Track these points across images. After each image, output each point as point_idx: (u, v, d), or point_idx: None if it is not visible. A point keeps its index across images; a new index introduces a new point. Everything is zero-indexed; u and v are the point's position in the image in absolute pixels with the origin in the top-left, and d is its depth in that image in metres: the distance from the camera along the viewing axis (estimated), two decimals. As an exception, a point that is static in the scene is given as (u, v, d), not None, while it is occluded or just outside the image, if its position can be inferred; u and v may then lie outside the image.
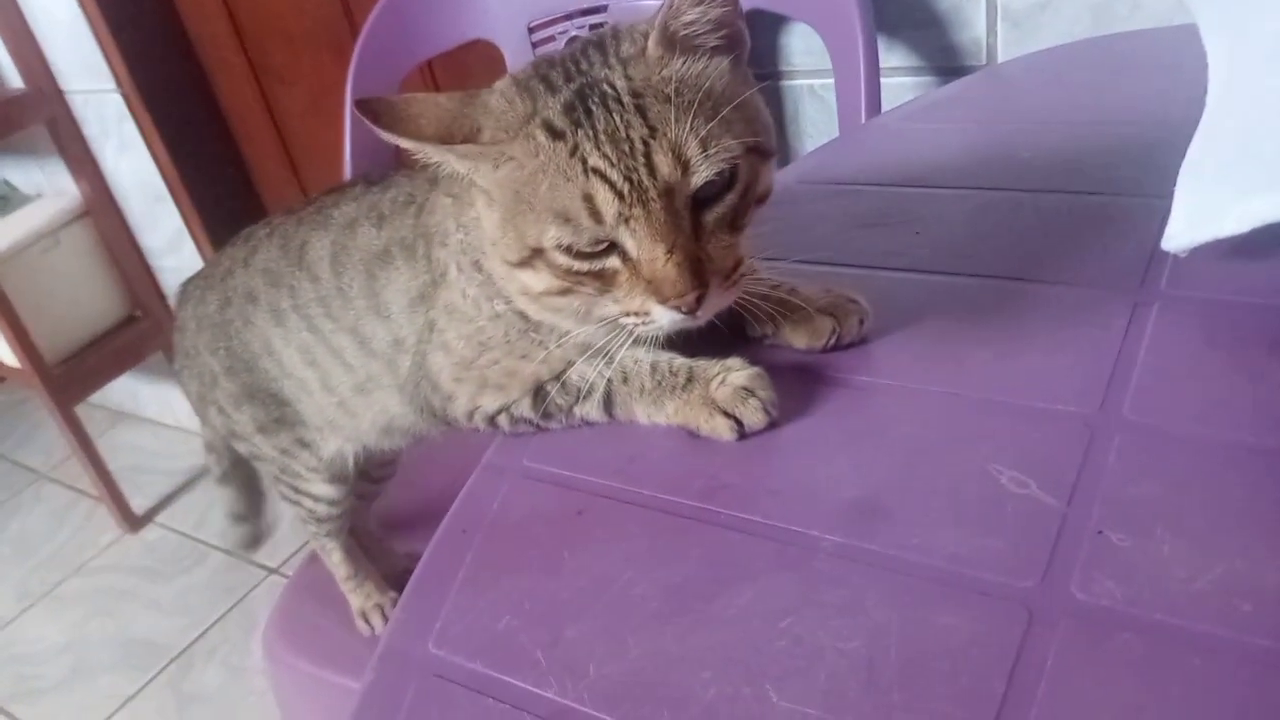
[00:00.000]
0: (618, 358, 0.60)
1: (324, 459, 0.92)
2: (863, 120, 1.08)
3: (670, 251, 0.53)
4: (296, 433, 0.90)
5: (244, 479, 1.13)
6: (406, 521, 1.25)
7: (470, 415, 0.67)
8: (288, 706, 1.20)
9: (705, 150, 0.52)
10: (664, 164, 0.52)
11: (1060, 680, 0.42)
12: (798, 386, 0.62)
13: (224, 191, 2.16)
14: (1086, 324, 0.62)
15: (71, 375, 2.27)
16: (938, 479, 0.53)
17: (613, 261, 0.54)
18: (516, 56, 1.34)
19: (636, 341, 0.59)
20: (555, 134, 0.53)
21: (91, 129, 2.15)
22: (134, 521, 2.41)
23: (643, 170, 0.52)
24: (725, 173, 0.54)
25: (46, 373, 2.19)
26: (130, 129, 2.05)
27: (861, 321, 0.64)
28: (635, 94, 0.53)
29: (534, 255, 0.55)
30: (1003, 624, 0.45)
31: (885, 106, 1.09)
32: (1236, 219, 0.57)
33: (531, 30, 1.32)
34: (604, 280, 0.55)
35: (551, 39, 1.33)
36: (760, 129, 0.57)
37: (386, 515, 1.21)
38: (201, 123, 2.10)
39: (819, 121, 1.29)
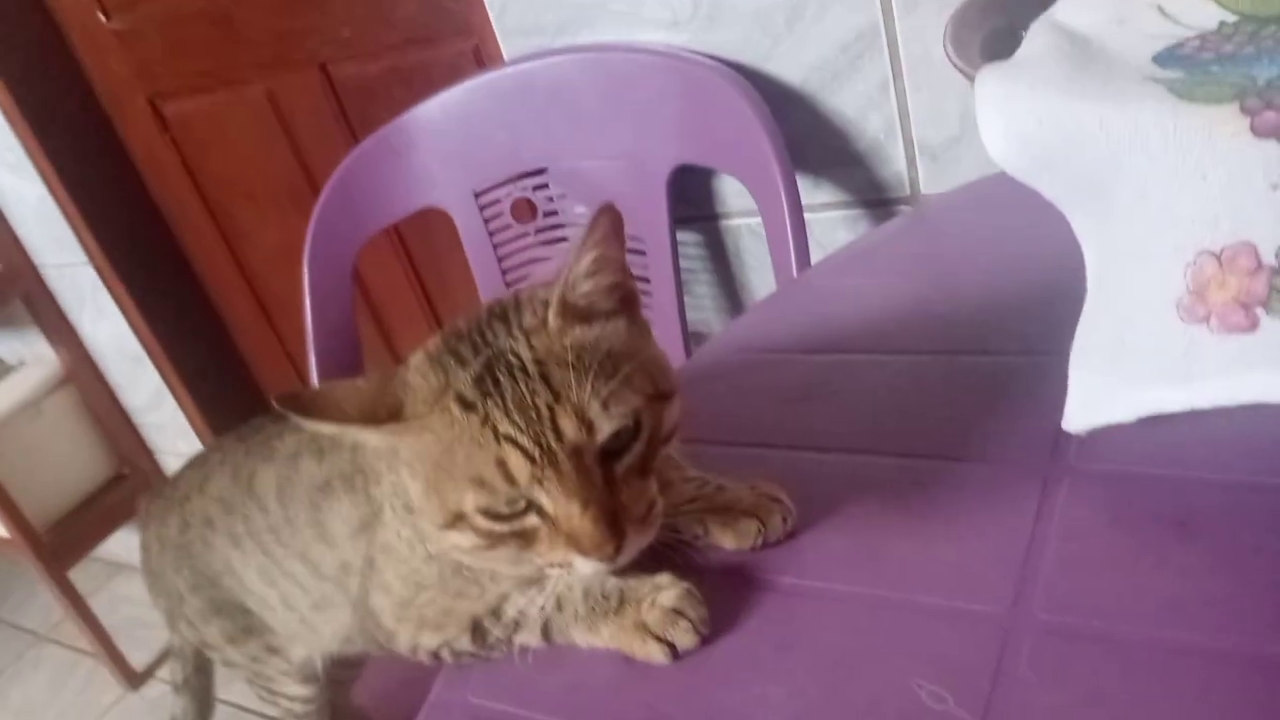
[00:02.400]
0: (550, 588, 0.62)
1: (294, 664, 0.93)
2: (792, 256, 1.12)
3: (585, 506, 0.55)
4: (265, 640, 0.92)
5: (199, 689, 1.16)
6: (390, 694, 1.25)
7: (414, 651, 0.68)
8: None
9: (607, 410, 0.55)
10: (569, 427, 0.55)
11: None
12: (728, 591, 0.64)
13: (201, 346, 2.21)
14: (999, 505, 0.64)
15: (62, 540, 2.28)
16: (860, 697, 0.55)
17: (531, 520, 0.56)
18: (467, 220, 1.39)
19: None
20: (467, 406, 0.55)
21: (67, 299, 2.20)
22: (134, 678, 2.39)
23: (550, 434, 0.54)
24: (629, 426, 0.57)
25: (37, 541, 2.20)
26: (105, 297, 2.10)
27: (784, 519, 0.66)
28: (539, 362, 0.56)
29: (457, 519, 0.57)
30: None
31: (816, 238, 1.13)
32: (1125, 407, 0.59)
33: (477, 195, 1.37)
34: (525, 538, 0.57)
35: (497, 201, 1.38)
36: (659, 376, 0.60)
37: (368, 688, 1.21)
38: (174, 284, 2.15)
39: (758, 255, 1.32)
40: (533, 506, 0.56)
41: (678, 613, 0.60)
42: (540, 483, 0.55)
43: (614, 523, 0.55)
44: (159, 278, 2.13)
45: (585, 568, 0.57)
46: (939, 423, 0.73)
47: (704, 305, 1.43)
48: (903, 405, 0.77)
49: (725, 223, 1.32)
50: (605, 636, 0.62)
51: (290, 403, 0.55)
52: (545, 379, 0.55)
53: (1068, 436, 0.67)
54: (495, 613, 0.65)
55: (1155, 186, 0.54)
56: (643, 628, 0.61)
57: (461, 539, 0.58)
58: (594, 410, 0.55)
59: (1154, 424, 0.64)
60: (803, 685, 0.57)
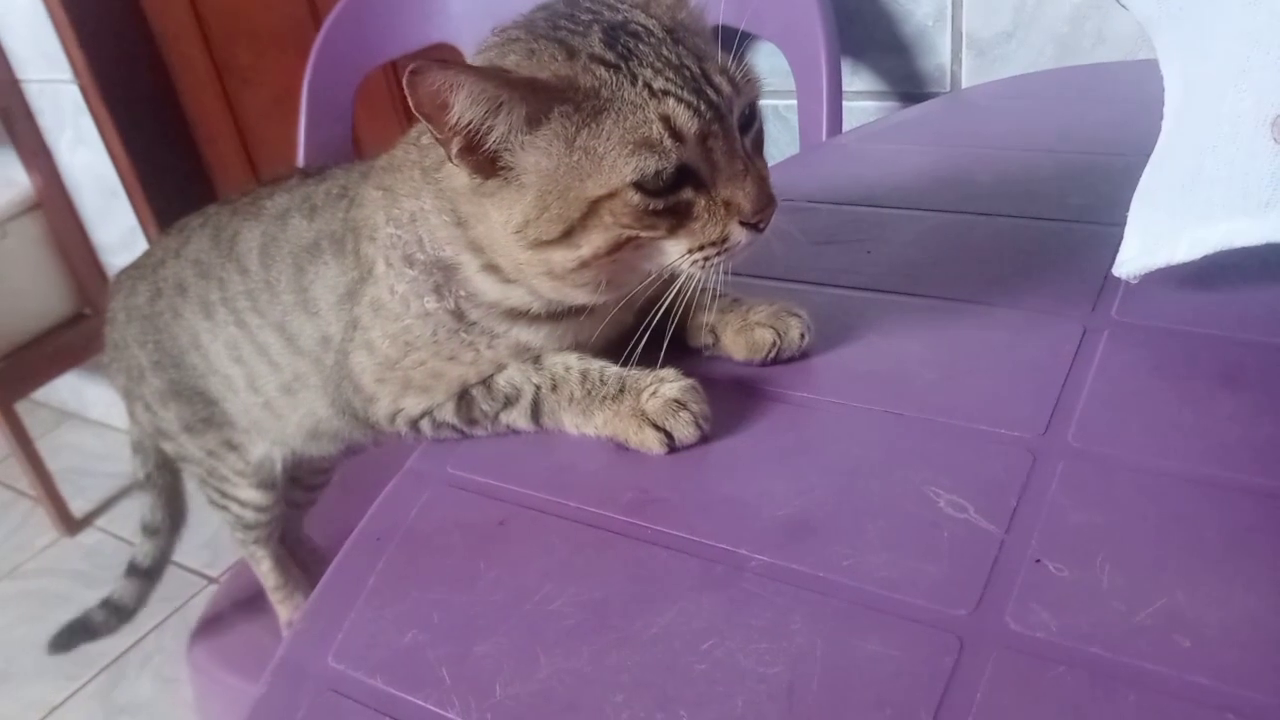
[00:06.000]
0: (548, 365, 0.58)
1: (251, 463, 0.88)
2: (824, 139, 1.06)
3: (746, 165, 0.53)
4: (224, 434, 0.87)
5: (165, 486, 1.09)
6: (346, 534, 1.20)
7: (392, 418, 0.63)
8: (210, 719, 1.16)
9: (746, 76, 0.54)
10: (724, 83, 0.53)
11: (990, 714, 0.40)
12: (734, 400, 0.60)
13: (181, 190, 2.11)
14: (1034, 348, 0.60)
15: (13, 371, 2.21)
16: (873, 500, 0.51)
17: (687, 193, 0.53)
18: (480, 62, 1.32)
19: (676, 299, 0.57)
20: (610, 66, 0.52)
21: (46, 120, 2.10)
22: (72, 524, 2.33)
23: (709, 89, 0.52)
24: (758, 99, 0.56)
25: (-14, 367, 2.12)
26: (86, 122, 2.01)
27: (803, 335, 0.62)
28: (668, 30, 0.53)
29: (589, 215, 0.53)
30: (932, 653, 0.43)
31: (847, 129, 1.08)
32: (1189, 246, 0.56)
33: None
34: (678, 215, 0.54)
35: (516, 46, 1.31)
36: None
37: (324, 525, 1.17)
38: (160, 119, 2.05)
39: (781, 141, 1.27)
40: (687, 178, 0.53)
41: (680, 404, 0.56)
42: (704, 141, 0.52)
43: (767, 185, 0.54)
44: (147, 112, 2.03)
45: (743, 238, 0.55)
46: (973, 272, 0.69)
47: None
48: (935, 254, 0.72)
49: (751, 101, 1.27)
50: (599, 423, 0.58)
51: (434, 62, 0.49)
52: (680, 43, 0.53)
53: (1110, 291, 0.63)
54: (486, 383, 0.61)
55: (1270, -7, 0.49)
56: (641, 415, 0.56)
57: (576, 249, 0.54)
58: (736, 73, 0.53)
59: (1199, 285, 0.61)
60: (811, 484, 0.53)
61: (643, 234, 0.53)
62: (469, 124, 0.51)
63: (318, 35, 1.36)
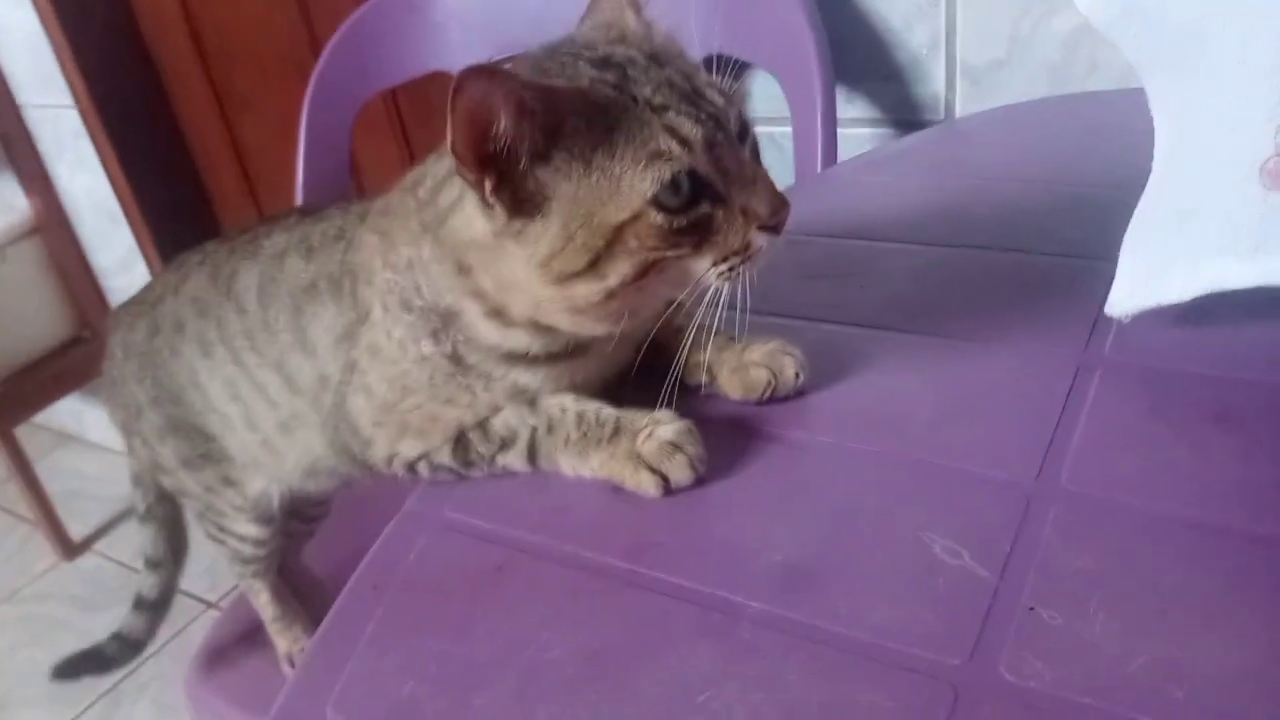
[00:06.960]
0: (543, 407, 0.59)
1: (249, 498, 0.88)
2: (819, 170, 1.07)
3: (754, 171, 0.56)
4: (222, 470, 0.87)
5: (166, 519, 1.09)
6: (345, 563, 1.20)
7: (389, 461, 0.64)
8: (209, 751, 1.15)
9: (732, 88, 0.56)
10: (715, 95, 0.55)
11: (983, 768, 0.40)
12: (730, 440, 0.60)
13: (180, 214, 2.12)
14: (1028, 387, 0.61)
15: (13, 395, 2.21)
16: (869, 545, 0.51)
17: (705, 206, 0.54)
18: (477, 90, 1.32)
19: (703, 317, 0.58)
20: (611, 87, 0.53)
21: (46, 144, 2.11)
22: (71, 549, 2.33)
23: (703, 102, 0.54)
24: (745, 111, 0.58)
25: (-15, 392, 2.12)
26: (86, 146, 2.01)
27: (798, 375, 0.62)
28: (651, 55, 0.55)
29: (614, 242, 0.53)
30: (927, 704, 0.43)
31: (843, 157, 1.08)
32: (1181, 286, 0.56)
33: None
34: (700, 231, 0.55)
35: (513, 75, 1.31)
36: None
37: (323, 552, 1.17)
38: (160, 144, 2.06)
39: (776, 169, 1.26)
40: (704, 192, 0.54)
41: (675, 446, 0.56)
42: (711, 149, 0.53)
43: (776, 188, 0.56)
44: (146, 135, 2.04)
45: (763, 243, 0.56)
46: (967, 307, 0.70)
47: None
48: (929, 289, 0.73)
49: (747, 128, 1.27)
50: (595, 465, 0.58)
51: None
52: (665, 65, 0.54)
53: (1104, 329, 0.64)
54: (482, 426, 0.61)
55: (1259, 42, 0.50)
56: (636, 458, 0.57)
57: (602, 280, 0.54)
58: (725, 86, 0.55)
59: (1193, 324, 0.62)
60: (806, 528, 0.53)
61: (669, 254, 0.54)
62: (505, 138, 0.51)
63: (317, 62, 1.37)
